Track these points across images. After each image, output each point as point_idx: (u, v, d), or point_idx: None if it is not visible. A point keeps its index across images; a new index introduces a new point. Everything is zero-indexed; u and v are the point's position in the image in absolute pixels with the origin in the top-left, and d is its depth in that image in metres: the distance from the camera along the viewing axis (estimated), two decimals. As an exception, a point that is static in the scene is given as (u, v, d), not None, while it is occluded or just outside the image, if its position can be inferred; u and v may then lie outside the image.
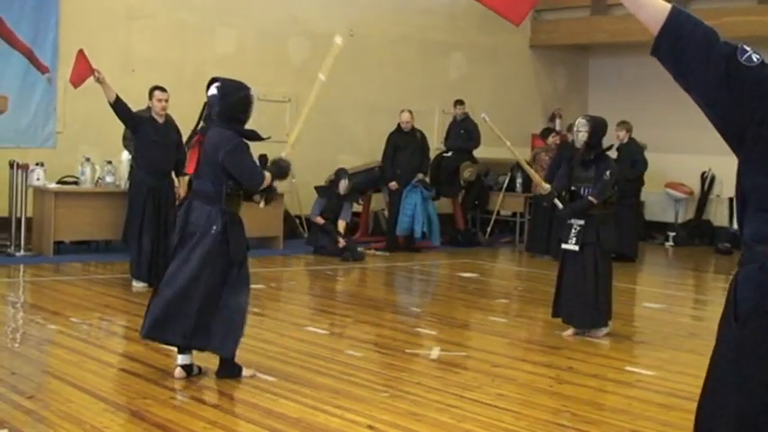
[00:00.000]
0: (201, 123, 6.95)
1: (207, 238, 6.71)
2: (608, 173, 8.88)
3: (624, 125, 15.62)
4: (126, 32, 14.98)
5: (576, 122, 9.11)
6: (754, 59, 3.06)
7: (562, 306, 9.07)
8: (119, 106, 11.06)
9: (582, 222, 8.86)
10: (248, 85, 6.98)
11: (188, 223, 6.81)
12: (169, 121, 11.48)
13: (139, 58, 15.00)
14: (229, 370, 6.89)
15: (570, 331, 9.05)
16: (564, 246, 8.99)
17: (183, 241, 6.83)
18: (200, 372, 6.96)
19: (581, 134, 8.96)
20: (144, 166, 11.27)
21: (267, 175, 6.96)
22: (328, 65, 7.38)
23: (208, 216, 6.74)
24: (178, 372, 6.87)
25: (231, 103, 6.83)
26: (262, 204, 7.15)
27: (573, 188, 9.04)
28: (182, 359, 6.90)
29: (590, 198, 8.85)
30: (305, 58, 16.71)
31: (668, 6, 3.14)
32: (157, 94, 11.35)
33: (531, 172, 9.77)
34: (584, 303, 8.88)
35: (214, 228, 6.71)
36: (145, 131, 11.20)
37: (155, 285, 10.61)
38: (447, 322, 9.68)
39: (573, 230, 8.90)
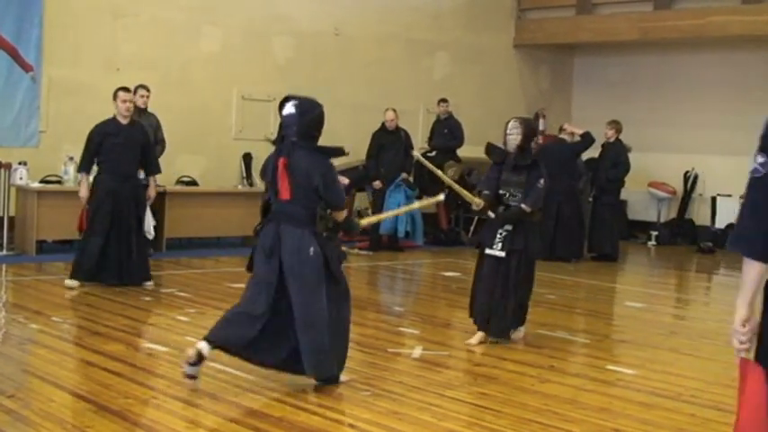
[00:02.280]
0: (280, 145, 6.74)
1: (310, 263, 6.61)
2: (541, 181, 8.60)
3: (614, 124, 15.68)
4: (111, 31, 14.95)
5: (508, 125, 8.75)
6: None
7: (477, 311, 8.70)
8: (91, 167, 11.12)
9: (509, 228, 8.55)
10: (320, 103, 6.86)
11: (281, 248, 6.63)
12: (135, 123, 11.27)
13: (124, 56, 14.97)
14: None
15: (477, 339, 8.60)
16: (488, 251, 8.58)
17: (283, 271, 6.64)
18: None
19: (513, 137, 8.65)
20: (106, 169, 11.00)
21: (346, 209, 7.04)
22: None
23: (300, 239, 6.61)
24: (193, 353, 6.58)
25: (309, 121, 6.70)
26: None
27: (501, 191, 8.68)
28: (204, 345, 6.62)
29: (522, 206, 8.55)
30: (290, 56, 16.72)
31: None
32: (121, 95, 11.09)
33: (462, 191, 9.41)
34: (505, 312, 8.55)
35: (312, 250, 6.61)
36: (108, 135, 10.97)
37: (106, 284, 10.77)
38: (429, 321, 9.71)
39: (499, 236, 8.53)
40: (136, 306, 9.95)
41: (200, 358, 6.58)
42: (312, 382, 6.84)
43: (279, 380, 6.89)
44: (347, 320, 6.96)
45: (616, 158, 15.48)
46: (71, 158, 13.79)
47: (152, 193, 11.43)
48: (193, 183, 15.51)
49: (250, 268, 6.88)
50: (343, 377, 6.95)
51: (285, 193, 6.62)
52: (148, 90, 13.48)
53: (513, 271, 8.54)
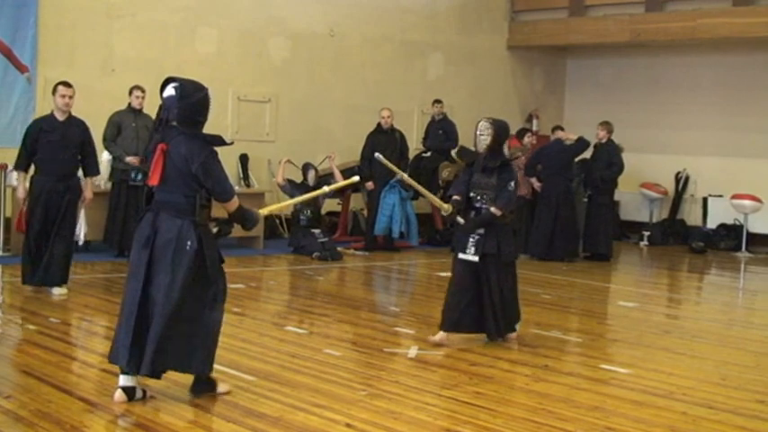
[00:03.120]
0: (158, 129, 6.40)
1: (183, 256, 6.24)
2: (512, 183, 8.49)
3: (605, 125, 15.73)
4: (106, 32, 14.98)
5: (479, 125, 8.60)
6: None
7: (446, 312, 8.54)
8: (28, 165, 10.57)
9: (481, 232, 8.45)
10: (205, 86, 6.53)
11: (156, 238, 6.29)
12: (72, 119, 10.64)
13: (120, 57, 15.01)
14: (205, 386, 6.53)
15: (439, 337, 8.50)
16: (461, 256, 8.49)
17: (152, 259, 6.28)
18: (145, 396, 6.41)
19: (483, 138, 8.50)
20: (41, 168, 10.48)
21: (236, 199, 6.55)
22: None
23: (179, 230, 6.25)
24: (119, 395, 6.28)
25: (190, 104, 6.35)
26: (214, 230, 6.59)
27: (471, 194, 8.57)
28: (124, 380, 6.33)
29: (492, 210, 8.44)
30: (285, 57, 16.77)
31: None
32: (61, 89, 10.51)
33: (430, 196, 9.41)
34: (495, 316, 8.49)
35: (189, 243, 6.24)
36: (43, 132, 10.43)
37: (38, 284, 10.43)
38: (425, 321, 9.74)
39: (471, 240, 8.45)
40: (133, 306, 9.96)
41: (130, 394, 6.30)
42: (309, 381, 6.90)
43: (277, 380, 6.93)
44: (218, 322, 6.48)
45: (610, 159, 15.54)
46: (67, 159, 13.82)
47: (88, 194, 10.91)
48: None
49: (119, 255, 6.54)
50: (221, 387, 6.60)
51: (154, 177, 6.26)
52: (144, 91, 13.51)
53: (492, 276, 8.45)
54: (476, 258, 8.41)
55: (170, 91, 6.35)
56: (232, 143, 6.84)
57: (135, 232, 6.48)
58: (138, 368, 6.26)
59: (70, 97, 10.54)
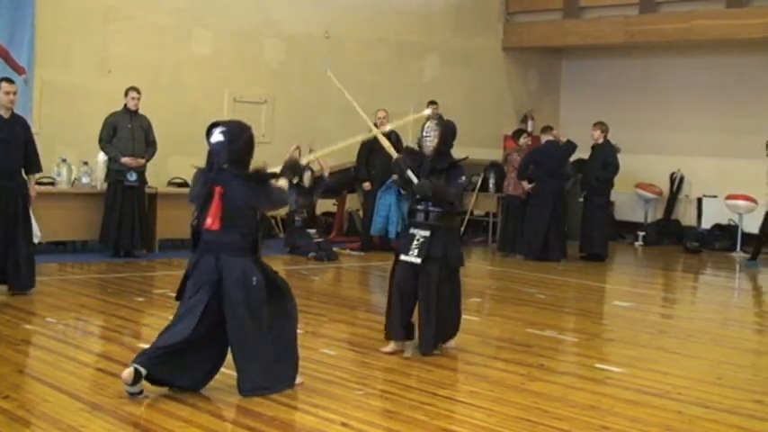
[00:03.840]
0: (209, 172, 6.58)
1: (253, 294, 6.52)
2: (463, 178, 8.19)
3: (600, 126, 15.74)
4: (102, 34, 14.99)
5: (425, 126, 8.23)
6: None
7: (392, 321, 8.14)
8: None
9: (426, 234, 7.99)
10: (248, 125, 6.75)
11: (222, 280, 6.50)
12: (16, 117, 10.40)
13: (116, 59, 15.01)
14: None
15: (390, 347, 8.14)
16: (404, 257, 8.03)
17: (220, 300, 6.52)
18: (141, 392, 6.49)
19: (430, 139, 8.14)
20: None
21: (284, 182, 6.86)
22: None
23: (242, 270, 6.51)
24: (127, 374, 6.38)
25: (239, 147, 6.58)
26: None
27: (418, 197, 8.10)
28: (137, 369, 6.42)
29: (450, 189, 8.03)
30: (281, 59, 16.78)
31: None
32: (4, 86, 10.24)
33: (384, 141, 8.71)
34: (428, 327, 8.00)
35: (254, 279, 6.53)
36: None
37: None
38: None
39: (416, 242, 7.99)
40: (129, 307, 10.00)
41: (138, 378, 6.40)
42: (305, 381, 6.92)
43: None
44: (293, 337, 6.83)
45: (605, 159, 15.57)
46: (64, 160, 13.88)
47: (32, 192, 10.62)
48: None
49: (179, 298, 6.71)
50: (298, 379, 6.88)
51: (215, 223, 6.46)
52: (139, 92, 13.54)
53: (433, 281, 8.00)
54: (418, 261, 7.94)
55: (218, 137, 6.56)
56: (277, 175, 6.94)
57: (190, 271, 6.63)
58: (193, 383, 6.57)
59: (14, 93, 10.34)
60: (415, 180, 8.03)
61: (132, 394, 6.40)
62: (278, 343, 6.67)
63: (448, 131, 8.26)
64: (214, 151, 6.57)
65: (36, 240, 11.37)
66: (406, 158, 8.20)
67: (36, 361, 7.53)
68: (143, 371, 6.37)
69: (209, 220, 6.46)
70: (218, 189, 6.46)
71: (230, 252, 6.51)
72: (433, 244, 7.99)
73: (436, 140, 8.13)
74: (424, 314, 8.02)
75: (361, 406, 6.43)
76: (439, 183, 8.03)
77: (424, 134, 8.20)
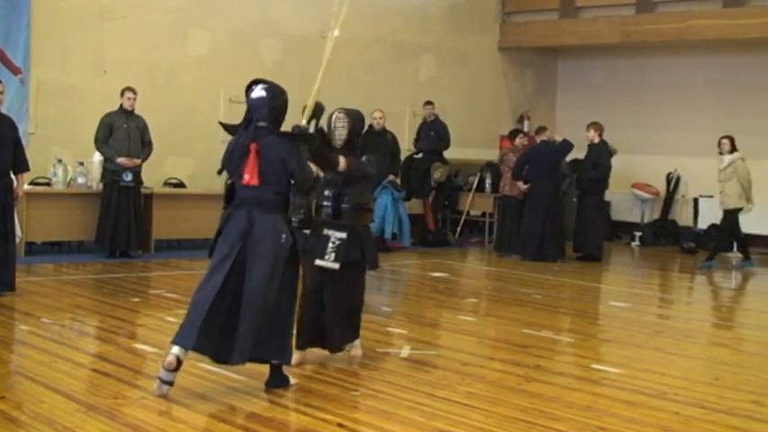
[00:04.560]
0: (246, 128, 6.68)
1: (280, 249, 6.58)
2: (367, 157, 7.73)
3: (594, 126, 15.73)
4: (98, 33, 14.97)
5: (333, 117, 7.69)
6: None
7: (305, 328, 7.56)
8: None
9: (342, 236, 7.45)
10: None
11: (252, 232, 6.57)
12: (3, 117, 10.34)
13: (112, 59, 14.99)
14: (281, 380, 6.79)
15: (296, 359, 7.31)
16: (319, 262, 7.43)
17: (246, 252, 6.55)
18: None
19: (339, 131, 7.58)
20: None
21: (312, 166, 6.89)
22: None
23: (274, 224, 6.60)
24: (171, 360, 6.45)
25: (278, 105, 6.73)
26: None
27: (326, 192, 7.59)
28: (178, 350, 6.49)
29: (340, 157, 7.42)
30: (277, 59, 16.75)
31: None
32: None
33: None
34: (340, 327, 7.58)
35: (283, 236, 6.61)
36: None
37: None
38: (417, 321, 9.76)
39: (331, 245, 7.44)
40: (125, 307, 9.98)
41: (179, 364, 6.49)
42: (301, 381, 6.91)
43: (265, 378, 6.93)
44: (295, 312, 6.95)
45: (597, 160, 15.57)
46: (60, 160, 13.86)
47: (19, 191, 10.57)
48: (181, 185, 15.54)
49: (211, 254, 6.77)
50: (292, 380, 6.85)
51: (254, 178, 6.56)
52: (135, 92, 13.53)
53: (345, 283, 7.54)
54: (336, 266, 7.40)
55: (260, 92, 6.70)
56: (314, 136, 7.10)
57: (222, 227, 6.71)
58: (229, 357, 6.53)
59: (1, 93, 10.33)
60: (338, 160, 7.43)
61: (164, 382, 6.46)
62: (277, 311, 6.61)
63: (358, 124, 7.76)
64: (254, 106, 6.69)
65: (17, 240, 11.30)
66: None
67: (31, 362, 7.50)
68: (183, 358, 6.48)
69: (246, 176, 6.56)
70: (253, 146, 6.58)
71: (263, 208, 6.61)
72: (351, 247, 7.48)
73: (345, 132, 7.60)
74: (335, 315, 7.55)
75: (358, 406, 6.42)
76: (332, 155, 7.42)
77: (333, 126, 7.64)
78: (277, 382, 6.76)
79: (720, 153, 15.14)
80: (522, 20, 20.28)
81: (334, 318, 7.55)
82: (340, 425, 5.98)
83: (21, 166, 10.54)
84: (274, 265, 6.55)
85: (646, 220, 19.15)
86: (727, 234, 15.57)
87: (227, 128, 6.91)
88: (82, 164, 13.95)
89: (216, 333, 6.52)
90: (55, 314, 9.48)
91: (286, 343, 6.73)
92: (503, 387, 7.16)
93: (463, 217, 17.98)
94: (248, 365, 6.78)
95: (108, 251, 13.58)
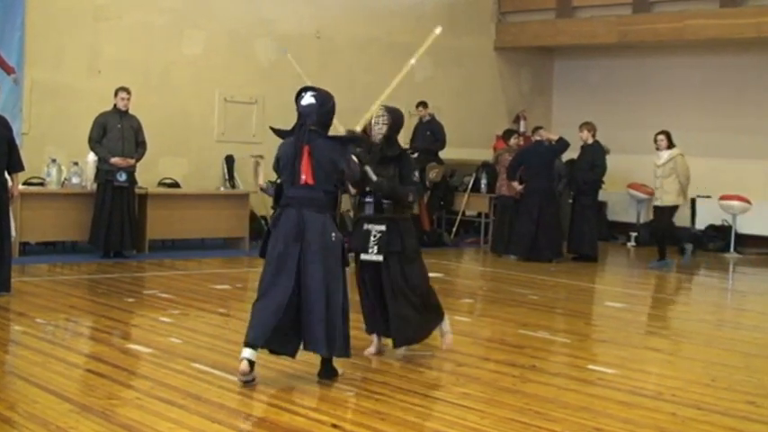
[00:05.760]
0: (299, 133, 6.98)
1: (331, 247, 6.92)
2: (416, 174, 8.14)
3: (587, 126, 15.70)
4: (93, 33, 14.95)
5: (374, 114, 8.04)
6: None
7: (370, 321, 7.99)
8: None
9: (382, 228, 7.76)
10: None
11: (305, 232, 6.88)
12: None
13: (106, 59, 14.97)
14: (332, 372, 7.09)
15: (375, 348, 8.04)
16: (364, 257, 7.80)
17: (302, 251, 6.87)
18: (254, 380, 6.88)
19: (379, 126, 7.96)
20: None
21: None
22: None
23: (324, 224, 6.92)
24: (245, 366, 6.77)
25: (327, 111, 7.09)
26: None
27: (368, 189, 7.85)
28: (249, 354, 6.81)
29: (409, 190, 7.83)
30: (273, 59, 16.72)
31: None
32: None
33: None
34: (405, 320, 7.80)
35: (333, 235, 6.94)
36: None
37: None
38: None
39: (372, 238, 7.77)
40: (119, 307, 9.96)
41: (252, 367, 6.81)
42: (295, 382, 6.88)
43: (262, 380, 6.91)
44: (346, 305, 7.12)
45: (593, 161, 15.55)
46: (54, 160, 13.84)
47: (14, 191, 10.58)
48: (176, 185, 15.51)
49: (263, 254, 7.09)
50: (340, 370, 7.17)
51: (309, 178, 6.88)
52: (129, 92, 13.51)
53: (397, 275, 7.79)
54: (380, 258, 7.76)
55: (309, 99, 7.04)
56: (361, 138, 7.60)
57: (274, 228, 7.06)
58: (293, 350, 7.02)
59: None
60: (374, 178, 7.77)
61: (247, 382, 6.79)
62: (332, 308, 6.90)
63: (397, 119, 8.16)
64: (305, 113, 7.01)
65: (13, 240, 11.26)
66: (364, 152, 7.86)
67: (25, 362, 7.48)
68: (254, 358, 6.81)
69: (303, 176, 6.88)
70: (306, 148, 6.90)
71: (313, 208, 6.92)
72: (391, 238, 7.79)
73: (386, 128, 8.01)
74: (397, 309, 7.79)
75: (352, 407, 6.41)
76: (395, 182, 7.83)
77: (374, 121, 8.06)
78: (327, 373, 7.05)
79: (657, 149, 15.02)
80: (518, 19, 20.27)
81: (398, 313, 7.80)
82: (334, 425, 5.95)
83: (15, 165, 10.52)
84: (327, 264, 6.89)
85: (642, 221, 19.12)
86: (669, 229, 15.41)
87: (279, 132, 7.25)
88: (76, 164, 13.92)
89: (284, 331, 6.92)
90: (49, 314, 9.46)
91: (335, 336, 6.90)
92: (498, 388, 7.14)
93: (459, 217, 17.96)
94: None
95: (102, 251, 13.56)
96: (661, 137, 14.94)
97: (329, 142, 7.03)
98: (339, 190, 7.14)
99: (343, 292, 6.99)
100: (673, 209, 14.97)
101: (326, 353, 6.93)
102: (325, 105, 7.08)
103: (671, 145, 14.90)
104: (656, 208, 15.15)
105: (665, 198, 14.82)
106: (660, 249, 15.10)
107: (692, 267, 15.48)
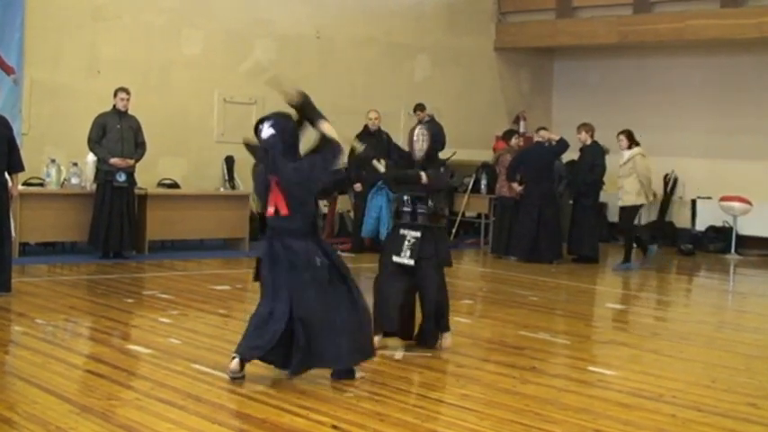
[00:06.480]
0: (267, 162, 6.96)
1: (317, 273, 6.93)
2: (443, 167, 8.49)
3: (585, 127, 15.67)
4: (92, 34, 14.95)
5: (415, 132, 8.49)
6: None
7: (387, 318, 8.25)
8: None
9: (417, 235, 8.15)
10: (288, 112, 7.10)
11: (288, 261, 6.92)
12: None
13: (105, 59, 14.96)
14: (345, 372, 7.17)
15: (400, 349, 8.28)
16: (396, 259, 8.18)
17: (289, 278, 6.92)
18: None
19: (420, 144, 8.36)
20: None
21: (327, 125, 7.20)
22: None
23: (306, 252, 6.92)
24: (235, 364, 6.93)
25: (290, 134, 6.98)
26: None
27: (405, 198, 8.28)
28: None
29: (421, 173, 8.24)
30: (272, 59, 16.71)
31: None
32: None
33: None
34: (428, 322, 8.31)
35: (318, 260, 6.93)
36: None
37: None
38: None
39: (407, 243, 8.16)
40: (118, 308, 9.96)
41: (242, 368, 6.95)
42: (295, 383, 6.88)
43: (262, 381, 6.91)
44: (365, 310, 7.24)
45: (593, 161, 15.54)
46: (53, 161, 13.83)
47: (14, 191, 10.64)
48: (175, 185, 15.50)
49: (257, 278, 7.13)
50: (358, 374, 7.22)
51: (283, 209, 6.87)
52: (129, 93, 13.50)
53: (427, 279, 8.19)
54: (411, 262, 8.12)
55: (269, 131, 6.93)
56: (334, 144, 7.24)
57: (263, 256, 7.07)
58: (287, 366, 7.02)
59: None
60: (381, 168, 8.17)
61: (235, 378, 6.90)
62: (329, 327, 6.97)
63: (438, 136, 8.60)
64: (269, 145, 6.92)
65: (13, 240, 11.25)
66: (370, 149, 8.64)
67: (24, 362, 7.48)
68: (247, 360, 6.96)
69: (270, 209, 6.91)
70: (274, 179, 6.87)
71: (294, 236, 6.93)
72: (425, 244, 8.14)
73: (426, 145, 8.34)
74: (426, 311, 8.27)
75: (352, 408, 6.38)
76: (402, 172, 8.37)
77: (415, 139, 8.39)
78: (343, 373, 7.12)
79: (621, 149, 15.03)
80: (518, 20, 20.25)
81: (428, 317, 8.26)
82: (334, 426, 5.95)
83: (16, 166, 10.53)
84: (317, 289, 6.92)
85: (643, 222, 19.10)
86: (630, 230, 15.40)
87: (251, 149, 7.19)
88: (75, 164, 13.92)
89: (279, 350, 6.97)
90: (49, 315, 9.47)
91: (341, 350, 7.00)
92: (498, 389, 7.13)
93: (458, 218, 17.94)
94: (245, 370, 6.87)
95: (102, 252, 13.55)
96: (621, 136, 14.98)
97: (298, 168, 6.90)
98: (315, 215, 7.20)
99: (341, 307, 7.02)
100: (633, 209, 14.99)
101: (335, 365, 7.07)
102: (287, 129, 6.97)
103: (632, 144, 14.91)
104: (620, 208, 15.15)
105: (626, 198, 14.85)
106: (626, 250, 15.10)
107: (661, 268, 15.46)
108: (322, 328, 6.91)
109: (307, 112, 7.15)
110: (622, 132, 14.99)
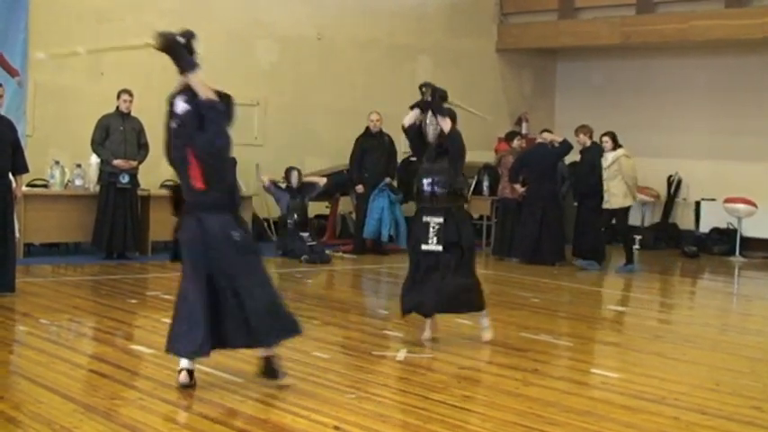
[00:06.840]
0: (181, 134, 6.92)
1: (236, 247, 6.71)
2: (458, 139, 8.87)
3: (583, 129, 15.58)
4: (95, 36, 14.93)
5: (428, 118, 9.06)
6: None
7: (417, 301, 8.64)
8: None
9: (440, 220, 8.42)
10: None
11: (204, 236, 6.72)
12: (2, 118, 10.43)
13: (109, 61, 14.97)
14: (273, 372, 6.95)
15: (428, 329, 8.76)
16: (425, 247, 8.47)
17: (208, 255, 6.70)
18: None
19: (432, 127, 8.98)
20: None
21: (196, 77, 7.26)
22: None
23: (223, 225, 6.73)
24: (183, 376, 6.73)
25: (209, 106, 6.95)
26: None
27: (425, 180, 8.66)
28: (187, 363, 6.76)
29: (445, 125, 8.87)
30: (273, 61, 16.73)
31: None
32: None
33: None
34: (464, 290, 8.66)
35: (236, 234, 6.72)
36: None
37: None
38: (414, 324, 9.70)
39: (432, 230, 8.44)
40: (122, 308, 9.99)
41: (191, 375, 6.73)
42: (297, 384, 6.89)
43: (263, 382, 6.90)
44: (275, 293, 7.00)
45: (593, 163, 15.51)
46: (57, 162, 13.85)
47: (18, 193, 10.67)
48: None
49: (175, 259, 6.98)
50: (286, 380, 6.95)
51: (199, 182, 6.78)
52: (132, 95, 13.53)
53: (452, 263, 8.46)
54: (439, 248, 8.40)
55: (184, 106, 7.04)
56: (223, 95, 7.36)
57: (180, 236, 6.89)
58: (226, 342, 6.77)
59: (0, 96, 10.39)
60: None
61: (187, 386, 6.70)
62: (249, 303, 6.72)
63: (449, 112, 9.21)
64: (185, 120, 6.92)
65: (17, 242, 11.28)
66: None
67: (29, 362, 7.51)
68: (193, 367, 6.74)
69: (192, 181, 6.78)
70: (190, 150, 6.83)
71: (210, 210, 6.75)
72: (448, 229, 8.40)
73: (440, 128, 8.86)
74: (456, 283, 8.51)
75: (354, 409, 6.38)
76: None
77: (428, 122, 8.96)
78: (266, 373, 6.90)
79: (605, 150, 15.03)
80: (520, 21, 20.25)
81: (438, 292, 8.48)
82: (336, 428, 5.95)
83: (20, 167, 10.58)
84: (237, 264, 6.70)
85: (646, 224, 19.11)
86: (627, 232, 15.40)
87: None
88: (79, 166, 13.94)
89: (212, 331, 6.66)
90: (53, 315, 9.50)
91: (260, 329, 6.74)
92: (500, 391, 7.12)
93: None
94: (245, 368, 6.81)
95: (105, 253, 13.58)
96: (605, 138, 14.95)
97: (208, 137, 6.86)
98: (235, 189, 7.02)
99: (264, 282, 6.85)
100: (621, 211, 14.98)
101: (248, 344, 6.84)
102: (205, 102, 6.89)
103: (616, 146, 14.90)
104: (605, 211, 15.10)
105: (613, 200, 14.81)
106: (627, 252, 15.10)
107: (664, 270, 15.53)
108: (235, 305, 6.67)
109: (174, 58, 7.20)
110: (606, 134, 14.98)
